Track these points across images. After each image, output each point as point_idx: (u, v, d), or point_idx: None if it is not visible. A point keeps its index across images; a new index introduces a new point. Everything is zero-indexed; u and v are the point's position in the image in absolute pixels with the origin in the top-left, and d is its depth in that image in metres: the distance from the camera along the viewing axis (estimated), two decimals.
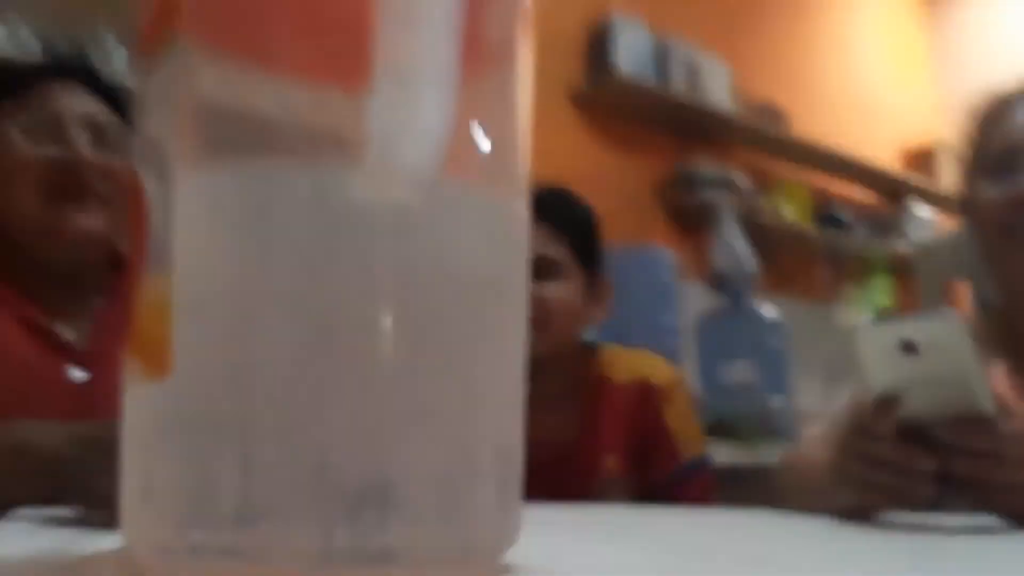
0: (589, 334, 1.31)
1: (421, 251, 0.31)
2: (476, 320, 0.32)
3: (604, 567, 0.42)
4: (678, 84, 2.93)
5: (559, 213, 1.14)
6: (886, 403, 0.63)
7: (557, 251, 1.14)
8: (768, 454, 2.41)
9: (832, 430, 0.95)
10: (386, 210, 0.30)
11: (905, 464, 0.63)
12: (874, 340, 0.63)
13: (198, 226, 0.30)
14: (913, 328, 0.61)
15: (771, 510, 0.94)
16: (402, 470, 0.30)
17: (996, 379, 0.61)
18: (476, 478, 0.32)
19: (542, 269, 1.10)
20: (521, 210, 0.35)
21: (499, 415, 0.33)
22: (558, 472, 1.06)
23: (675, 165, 3.09)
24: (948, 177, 3.69)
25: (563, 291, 1.15)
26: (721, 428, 2.38)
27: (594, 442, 1.20)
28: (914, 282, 1.30)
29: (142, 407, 0.32)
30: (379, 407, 0.30)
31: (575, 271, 1.17)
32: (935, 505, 0.98)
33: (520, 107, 0.35)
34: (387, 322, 0.30)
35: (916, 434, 0.63)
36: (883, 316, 0.71)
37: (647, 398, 1.24)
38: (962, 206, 1.01)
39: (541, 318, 1.05)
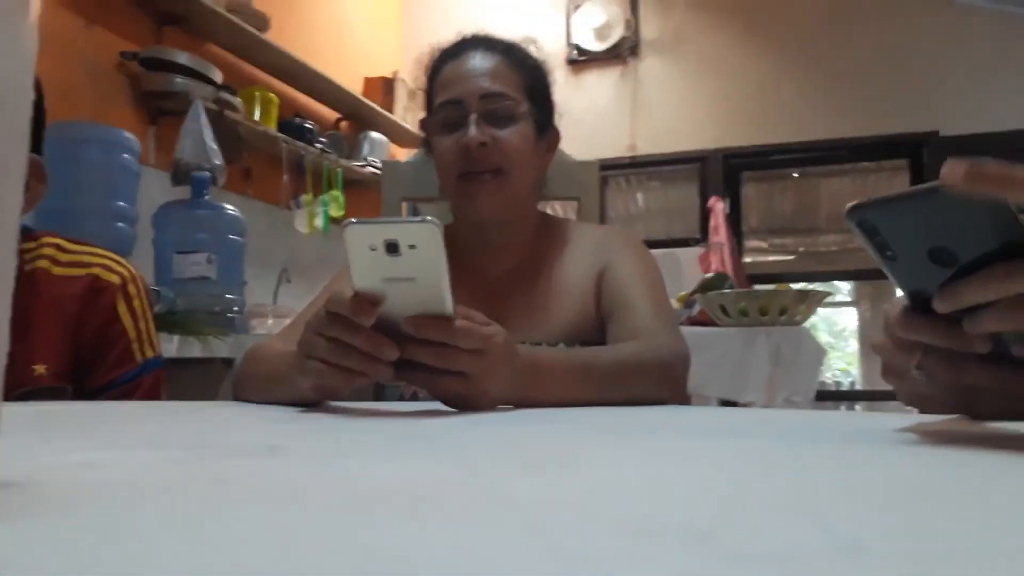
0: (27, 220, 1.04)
1: None
2: None
3: (86, 465, 0.32)
4: None
5: None
6: (367, 301, 0.63)
7: None
8: (220, 347, 2.32)
9: (300, 324, 0.93)
10: None
11: (374, 352, 0.64)
12: (361, 238, 0.60)
13: None
14: (397, 230, 0.60)
15: (229, 400, 0.87)
16: None
17: (452, 282, 0.64)
18: None
19: None
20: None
21: None
22: None
23: (147, 47, 2.72)
24: (401, 109, 3.95)
25: None
26: (175, 321, 2.22)
27: (23, 347, 0.97)
28: (379, 196, 1.35)
29: None
30: None
31: None
32: (379, 394, 1.04)
33: None
34: None
35: (382, 324, 0.64)
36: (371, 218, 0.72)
37: (98, 297, 1.04)
38: (426, 146, 1.09)
39: None
